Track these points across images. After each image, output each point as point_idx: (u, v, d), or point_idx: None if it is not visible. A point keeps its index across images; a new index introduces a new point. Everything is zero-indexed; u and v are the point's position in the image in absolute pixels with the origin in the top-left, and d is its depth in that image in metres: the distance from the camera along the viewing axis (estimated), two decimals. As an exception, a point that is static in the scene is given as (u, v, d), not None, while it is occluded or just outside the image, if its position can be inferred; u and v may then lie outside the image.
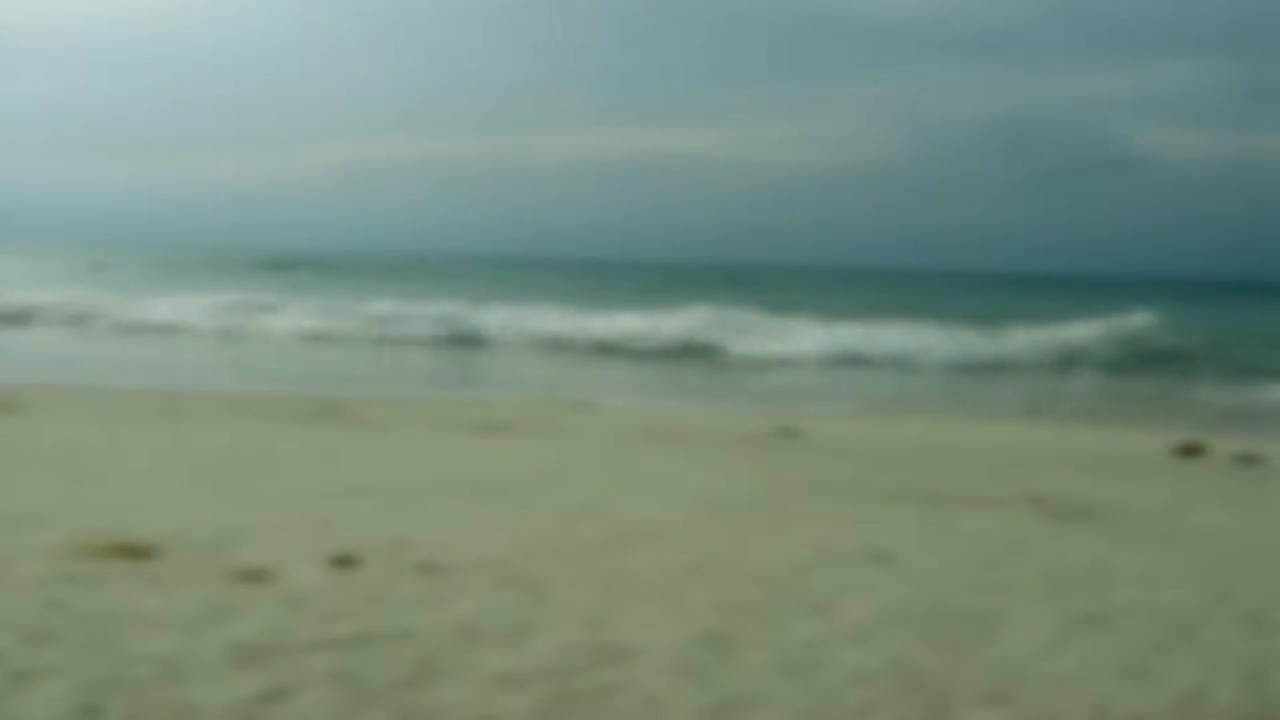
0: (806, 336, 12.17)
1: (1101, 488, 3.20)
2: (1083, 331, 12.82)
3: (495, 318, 13.20)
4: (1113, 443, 5.73)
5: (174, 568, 1.55)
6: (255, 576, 1.52)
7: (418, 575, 1.58)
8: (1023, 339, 12.72)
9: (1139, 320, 13.57)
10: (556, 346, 12.47)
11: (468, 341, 12.96)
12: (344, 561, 1.63)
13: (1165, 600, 1.68)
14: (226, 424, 4.32)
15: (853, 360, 12.11)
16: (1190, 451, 4.94)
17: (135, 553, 1.62)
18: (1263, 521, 2.64)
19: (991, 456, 4.34)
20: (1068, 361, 12.01)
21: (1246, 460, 4.66)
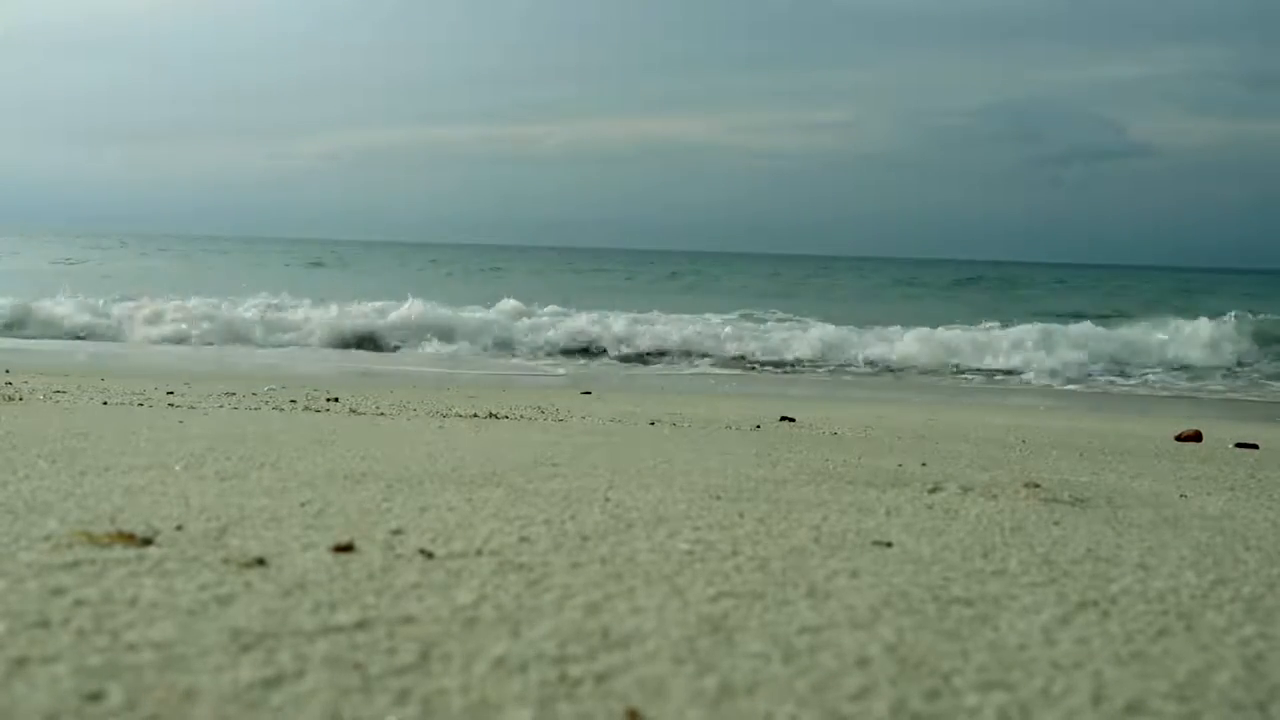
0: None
1: (1101, 473, 3.21)
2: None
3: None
4: (1113, 429, 5.73)
5: (174, 555, 1.55)
6: (255, 563, 1.52)
7: (417, 562, 1.58)
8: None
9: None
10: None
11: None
12: (344, 548, 1.64)
13: (1165, 585, 1.68)
14: (225, 412, 4.32)
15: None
16: (1191, 438, 4.95)
17: (135, 540, 1.62)
18: (1262, 507, 2.64)
19: (990, 442, 4.34)
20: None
21: (1247, 446, 4.67)
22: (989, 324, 15.07)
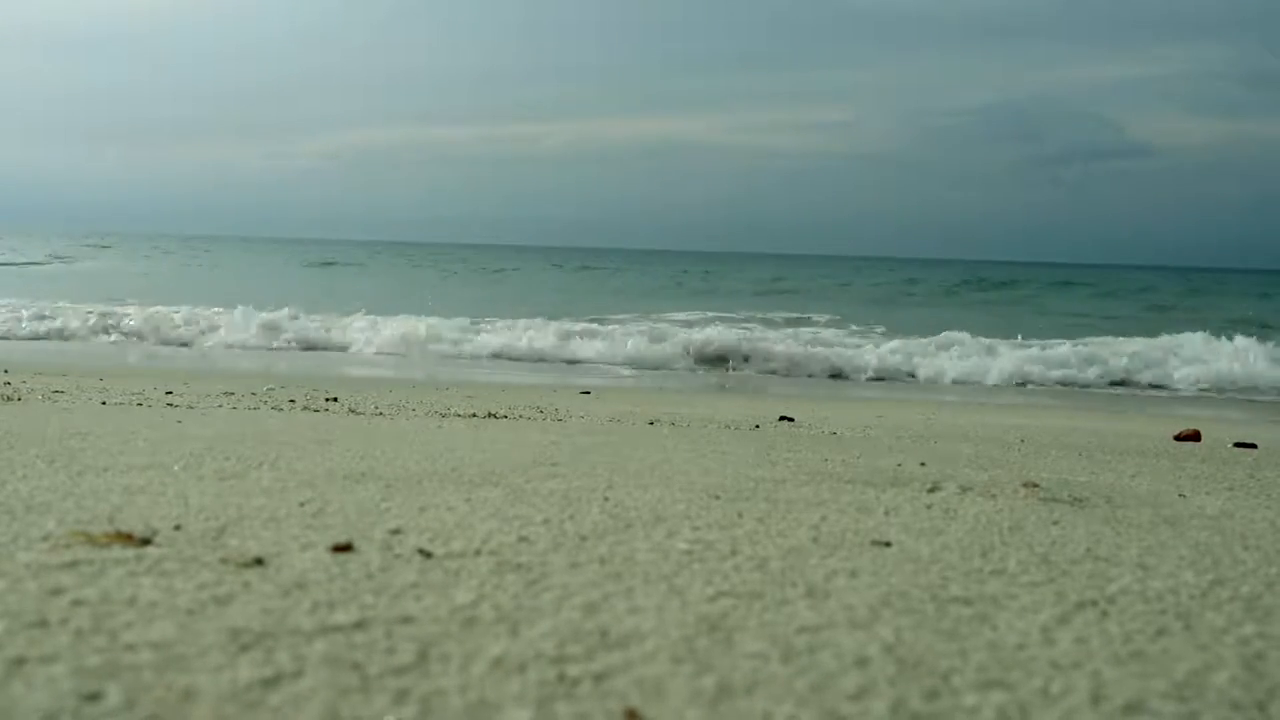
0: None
1: (1100, 473, 3.21)
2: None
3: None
4: (1112, 428, 5.73)
5: (172, 555, 1.55)
6: (253, 563, 1.52)
7: (416, 562, 1.58)
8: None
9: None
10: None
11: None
12: (342, 548, 1.64)
13: (1163, 585, 1.68)
14: (224, 412, 4.32)
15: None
16: (1189, 437, 4.95)
17: (134, 540, 1.62)
18: (1261, 506, 2.64)
19: (990, 442, 4.34)
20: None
21: (1246, 446, 4.67)
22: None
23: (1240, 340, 12.77)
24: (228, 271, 35.01)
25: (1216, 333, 13.45)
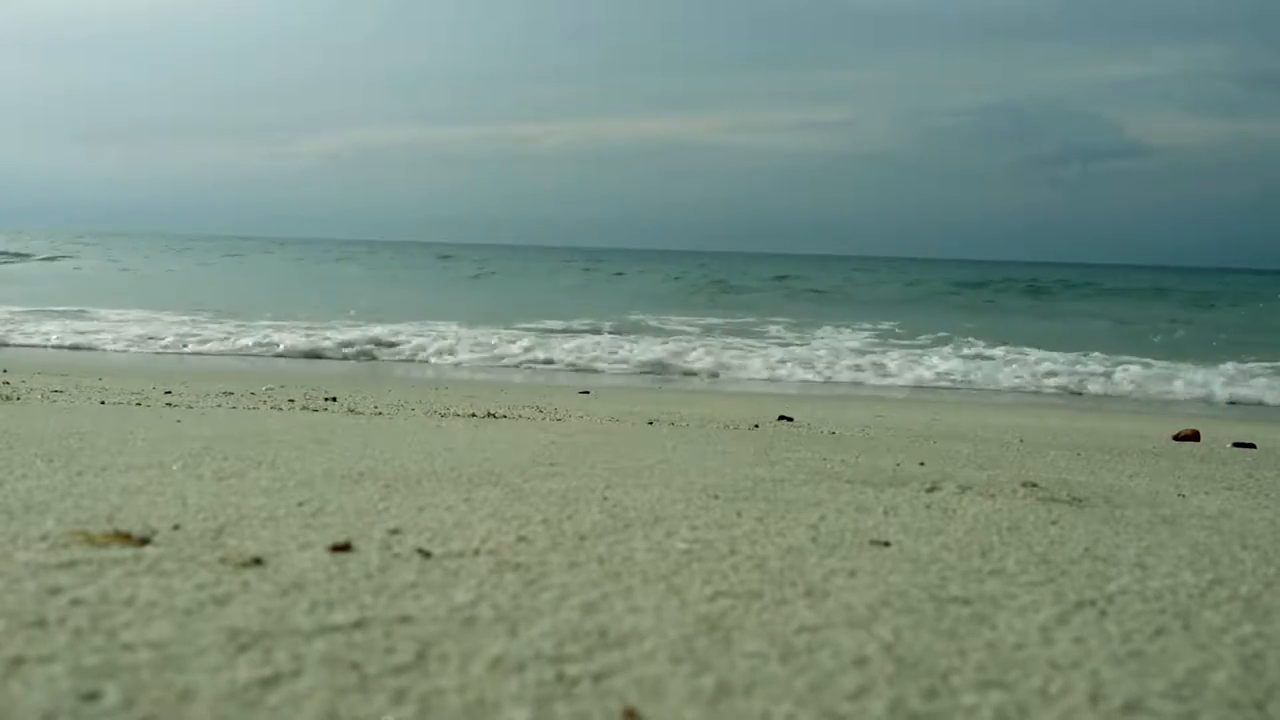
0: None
1: (1099, 472, 3.21)
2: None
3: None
4: (1110, 428, 5.73)
5: (171, 554, 1.55)
6: (252, 563, 1.52)
7: (415, 561, 1.58)
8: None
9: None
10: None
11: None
12: (341, 548, 1.64)
13: (1162, 584, 1.68)
14: (223, 411, 4.32)
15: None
16: (1188, 437, 4.95)
17: (132, 540, 1.62)
18: (1260, 506, 2.64)
19: (989, 442, 4.34)
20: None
21: (1245, 446, 4.67)
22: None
23: (1233, 367, 12.48)
24: (269, 274, 34.74)
25: (1210, 345, 13.21)
